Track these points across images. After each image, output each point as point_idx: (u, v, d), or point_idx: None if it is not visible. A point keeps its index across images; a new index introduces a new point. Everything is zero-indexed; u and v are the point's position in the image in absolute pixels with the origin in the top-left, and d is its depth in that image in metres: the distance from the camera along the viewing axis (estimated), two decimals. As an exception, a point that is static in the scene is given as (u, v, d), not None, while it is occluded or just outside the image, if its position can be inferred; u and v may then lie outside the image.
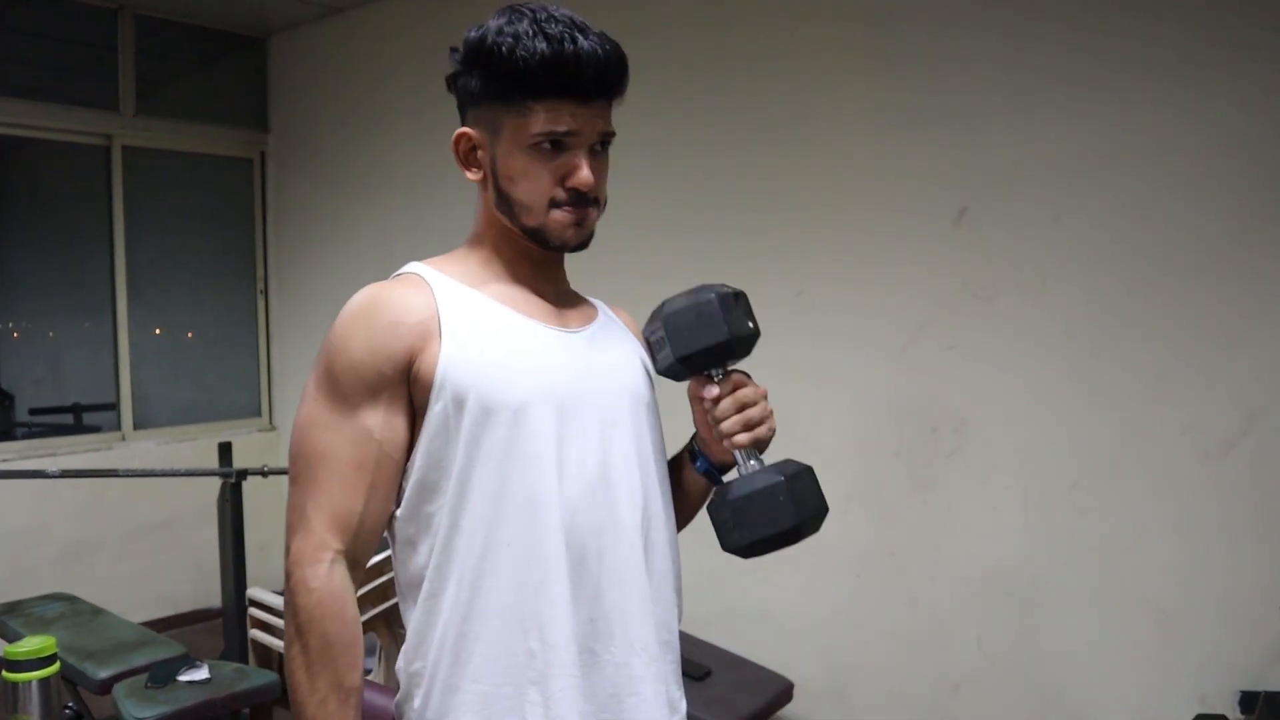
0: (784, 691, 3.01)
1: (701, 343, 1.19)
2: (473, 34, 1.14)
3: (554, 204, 1.14)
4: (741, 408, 1.19)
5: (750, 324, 1.23)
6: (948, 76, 2.83)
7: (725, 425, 1.19)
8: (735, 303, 1.22)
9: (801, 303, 3.16)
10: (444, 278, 1.17)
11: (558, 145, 1.12)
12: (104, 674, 2.76)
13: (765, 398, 1.21)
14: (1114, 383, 2.60)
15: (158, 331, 4.91)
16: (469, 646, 1.10)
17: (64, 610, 3.28)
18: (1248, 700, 2.32)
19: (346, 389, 1.10)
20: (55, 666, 2.05)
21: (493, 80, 1.12)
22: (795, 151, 3.15)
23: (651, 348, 1.25)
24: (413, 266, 1.20)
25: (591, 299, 1.33)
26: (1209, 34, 2.42)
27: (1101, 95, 2.57)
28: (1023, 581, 2.75)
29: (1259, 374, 2.40)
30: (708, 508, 1.20)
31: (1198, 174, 2.45)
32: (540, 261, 1.21)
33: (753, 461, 1.19)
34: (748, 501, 1.14)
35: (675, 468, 1.31)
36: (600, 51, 1.11)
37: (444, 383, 1.09)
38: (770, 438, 1.20)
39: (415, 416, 1.12)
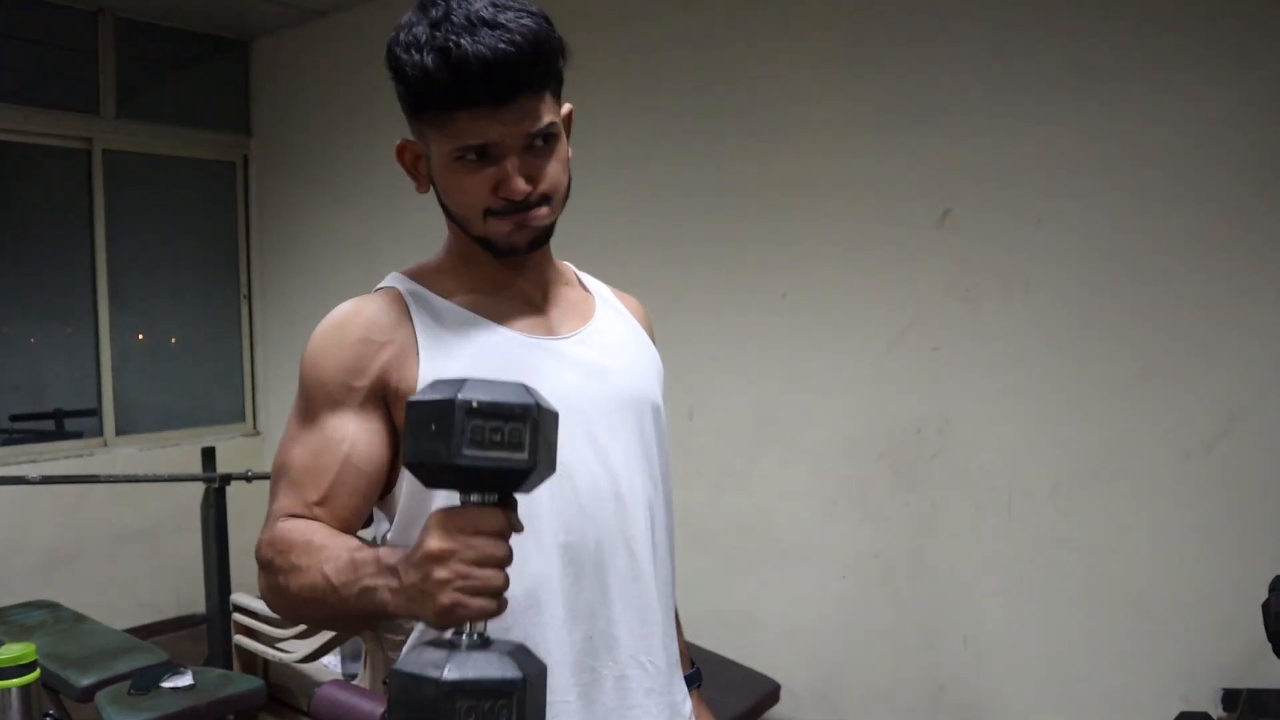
0: (770, 693, 3.01)
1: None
2: (391, 36, 1.05)
3: (489, 213, 1.07)
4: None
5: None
6: (930, 79, 2.84)
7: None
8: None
9: (785, 305, 3.17)
10: (422, 290, 1.13)
11: (481, 154, 1.04)
12: (86, 681, 2.74)
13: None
14: (1096, 384, 2.61)
15: (140, 336, 4.88)
16: None
17: (45, 617, 3.26)
18: (1230, 698, 2.33)
19: (315, 405, 1.08)
20: (35, 674, 2.04)
21: (400, 94, 1.06)
22: (778, 156, 3.16)
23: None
24: (391, 279, 1.16)
25: (593, 286, 1.28)
26: (1190, 38, 2.44)
27: (1083, 98, 2.59)
28: (1007, 582, 2.77)
29: (1240, 374, 2.42)
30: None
31: (1179, 177, 2.47)
32: (517, 265, 1.15)
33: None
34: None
35: None
36: (491, 53, 0.98)
37: None
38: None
39: (397, 436, 1.07)
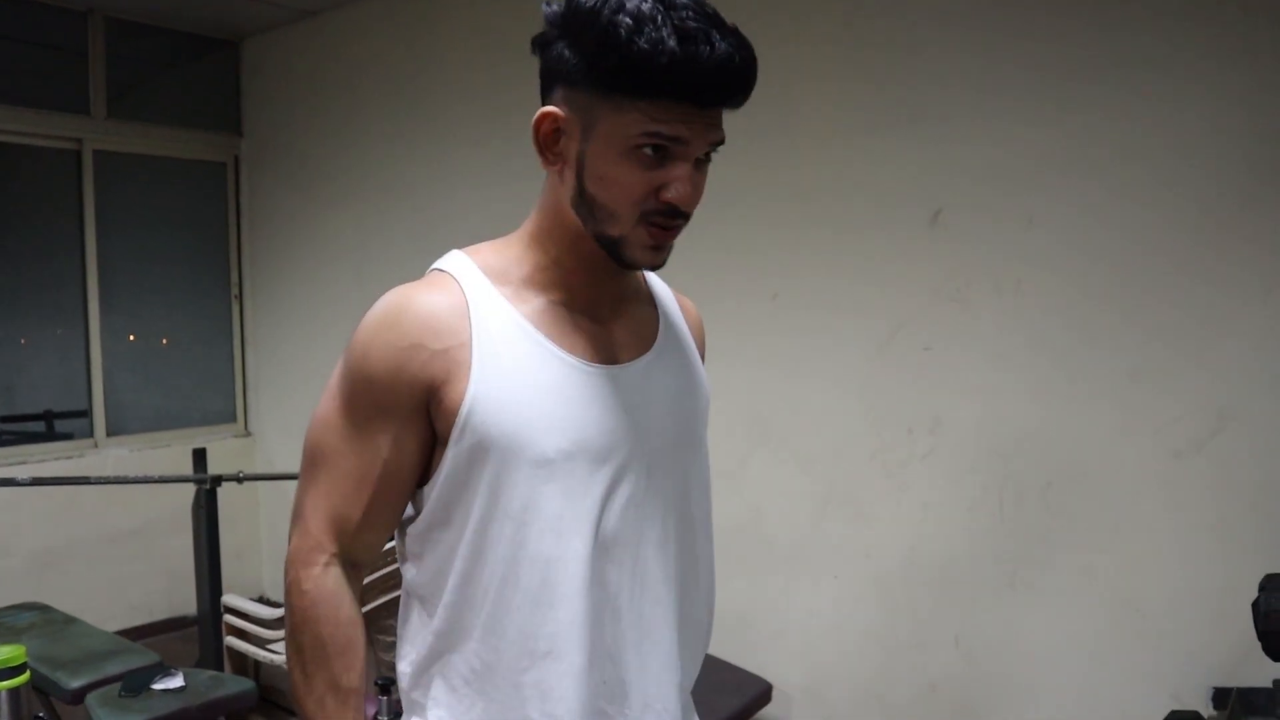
0: (762, 693, 3.02)
1: None
2: (586, 4, 0.96)
3: (643, 217, 1.01)
4: None
5: None
6: (922, 78, 2.84)
7: None
8: None
9: (777, 305, 3.17)
10: (488, 287, 1.06)
11: (661, 151, 0.98)
12: (76, 684, 2.72)
13: None
14: (1086, 383, 2.62)
15: (131, 337, 4.86)
16: (466, 702, 1.06)
17: (35, 619, 3.25)
18: (1220, 696, 2.34)
19: (360, 401, 1.05)
20: (25, 676, 2.03)
21: (600, 63, 0.96)
22: (769, 156, 3.16)
23: None
24: (455, 264, 1.08)
25: (659, 294, 1.22)
26: (1181, 36, 2.45)
27: (1073, 99, 2.59)
28: (999, 581, 2.77)
29: (1230, 373, 2.43)
30: None
31: (1169, 175, 2.48)
32: (604, 272, 1.09)
33: None
34: None
35: None
36: (737, 58, 0.95)
37: (467, 425, 1.01)
38: None
39: (435, 440, 1.05)
